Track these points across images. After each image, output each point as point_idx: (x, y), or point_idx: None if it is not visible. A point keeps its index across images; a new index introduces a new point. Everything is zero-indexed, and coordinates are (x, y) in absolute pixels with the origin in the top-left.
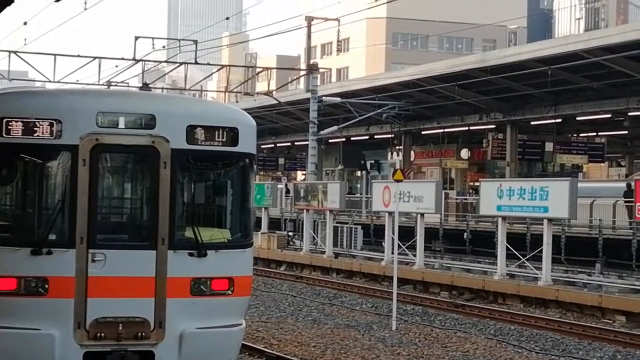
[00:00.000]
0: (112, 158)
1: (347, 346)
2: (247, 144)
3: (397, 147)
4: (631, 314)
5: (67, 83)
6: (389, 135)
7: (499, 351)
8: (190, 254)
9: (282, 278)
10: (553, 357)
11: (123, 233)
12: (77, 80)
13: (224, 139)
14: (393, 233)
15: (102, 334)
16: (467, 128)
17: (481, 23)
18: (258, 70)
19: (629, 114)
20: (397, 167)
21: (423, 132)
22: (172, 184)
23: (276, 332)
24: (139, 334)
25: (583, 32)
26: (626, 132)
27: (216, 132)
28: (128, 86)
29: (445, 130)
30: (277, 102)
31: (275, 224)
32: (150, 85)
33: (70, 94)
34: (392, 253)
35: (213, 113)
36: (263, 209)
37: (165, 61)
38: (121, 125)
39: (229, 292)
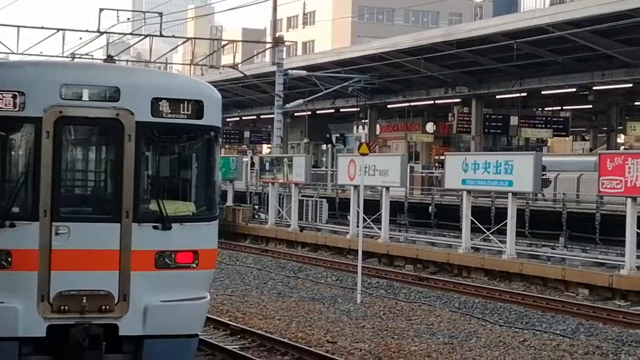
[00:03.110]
0: (76, 131)
1: (311, 319)
2: (212, 116)
3: (363, 121)
4: (594, 287)
5: (30, 55)
6: (355, 109)
7: (462, 324)
8: (155, 227)
9: (247, 251)
10: (517, 329)
11: (87, 206)
12: (41, 52)
13: (189, 112)
14: (358, 206)
15: (66, 307)
16: (432, 102)
17: None
18: (223, 43)
19: (594, 88)
20: (363, 140)
21: (389, 106)
22: (136, 156)
23: (241, 305)
24: (103, 307)
25: (549, 6)
26: (590, 106)
27: (181, 105)
28: (92, 58)
29: (411, 103)
30: (242, 75)
31: (240, 197)
32: (114, 58)
33: (34, 66)
34: (357, 226)
35: (178, 86)
36: (228, 182)
37: (130, 33)
38: (85, 97)
39: (194, 265)
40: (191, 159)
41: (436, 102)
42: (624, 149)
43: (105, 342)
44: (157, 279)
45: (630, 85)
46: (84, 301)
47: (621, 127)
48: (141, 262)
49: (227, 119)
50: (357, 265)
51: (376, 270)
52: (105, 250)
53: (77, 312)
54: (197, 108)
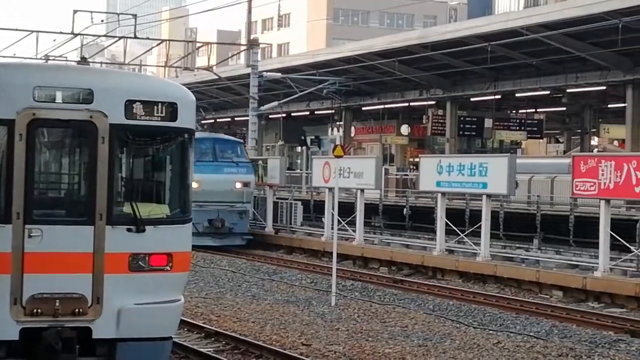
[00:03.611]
0: (50, 133)
1: (286, 322)
2: (187, 119)
3: (338, 123)
4: (568, 289)
5: (3, 57)
6: (330, 111)
7: (437, 326)
8: (129, 230)
9: (221, 254)
10: (491, 331)
11: (60, 208)
12: (14, 54)
13: (163, 114)
14: (333, 209)
15: (39, 310)
16: (407, 104)
17: None
18: (198, 45)
19: (567, 90)
20: (337, 142)
21: (363, 108)
22: (110, 159)
23: (215, 308)
24: (76, 310)
25: (523, 9)
26: (564, 108)
27: (155, 107)
28: (66, 60)
29: (386, 106)
30: (217, 77)
31: None
32: (88, 60)
33: (6, 68)
34: (332, 229)
35: (152, 88)
36: None
37: (104, 35)
38: (58, 99)
39: (168, 267)
40: (165, 162)
41: (411, 104)
42: (598, 151)
43: (79, 345)
44: (131, 282)
45: (604, 87)
46: (57, 304)
47: (595, 130)
48: (115, 264)
49: (202, 121)
50: (331, 268)
51: (351, 273)
52: (79, 252)
53: (50, 315)
54: (171, 110)
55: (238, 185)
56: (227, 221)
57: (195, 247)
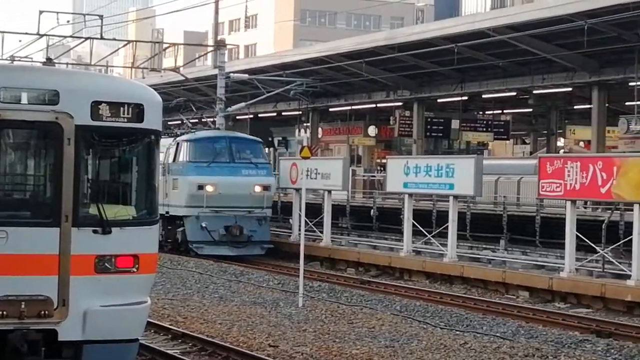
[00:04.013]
0: (15, 134)
1: (253, 323)
2: (153, 120)
3: (305, 124)
4: (534, 289)
5: None
6: (297, 112)
7: (404, 327)
8: (95, 231)
9: (188, 255)
10: (457, 332)
11: (26, 210)
12: None
13: (129, 115)
14: (300, 210)
15: (4, 313)
16: (374, 105)
17: (389, 0)
18: (165, 46)
19: (534, 92)
20: (305, 144)
21: (331, 109)
22: (76, 160)
23: (182, 310)
24: (42, 312)
25: (489, 10)
26: (531, 110)
27: (121, 108)
28: (32, 61)
29: (353, 107)
30: (184, 78)
31: None
32: (54, 61)
33: None
34: (299, 230)
35: (118, 89)
36: None
37: (70, 36)
38: (24, 100)
39: (134, 269)
40: (131, 163)
41: (378, 105)
42: (564, 152)
43: (45, 347)
44: (97, 284)
45: (570, 89)
46: (23, 306)
47: (561, 131)
48: (81, 266)
49: (169, 122)
50: (299, 269)
51: (318, 274)
52: (44, 254)
53: (15, 318)
54: (138, 111)
55: (257, 188)
56: (246, 228)
57: (211, 257)
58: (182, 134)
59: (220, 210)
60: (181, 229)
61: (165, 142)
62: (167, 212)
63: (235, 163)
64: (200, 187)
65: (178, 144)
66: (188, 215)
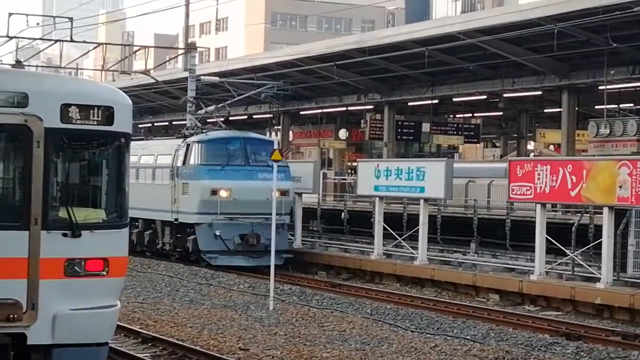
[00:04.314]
0: None
1: (224, 326)
2: (123, 123)
3: (276, 127)
4: (504, 292)
5: None
6: (268, 115)
7: (375, 330)
8: (64, 235)
9: (159, 259)
10: (428, 335)
11: None
12: None
13: (99, 118)
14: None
15: None
16: (345, 108)
17: (360, 4)
18: (135, 48)
19: (504, 95)
20: (275, 147)
21: (301, 112)
22: (45, 163)
23: (152, 313)
24: (11, 315)
25: (460, 14)
26: (501, 113)
27: (91, 111)
28: (1, 63)
29: (324, 110)
30: (154, 81)
31: None
32: (24, 63)
33: None
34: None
35: (88, 92)
36: None
37: (40, 38)
38: None
39: (104, 272)
40: (101, 166)
41: (349, 108)
42: (534, 155)
43: (13, 351)
44: (67, 287)
45: (540, 92)
46: None
47: (531, 134)
48: (50, 270)
49: (139, 125)
50: (269, 272)
51: (289, 277)
52: (13, 258)
53: None
54: (108, 114)
55: (275, 193)
56: (263, 237)
57: (225, 268)
58: (190, 134)
59: (235, 217)
60: (192, 237)
61: (173, 143)
62: (176, 220)
63: (251, 166)
64: (214, 192)
65: (188, 145)
66: (200, 222)
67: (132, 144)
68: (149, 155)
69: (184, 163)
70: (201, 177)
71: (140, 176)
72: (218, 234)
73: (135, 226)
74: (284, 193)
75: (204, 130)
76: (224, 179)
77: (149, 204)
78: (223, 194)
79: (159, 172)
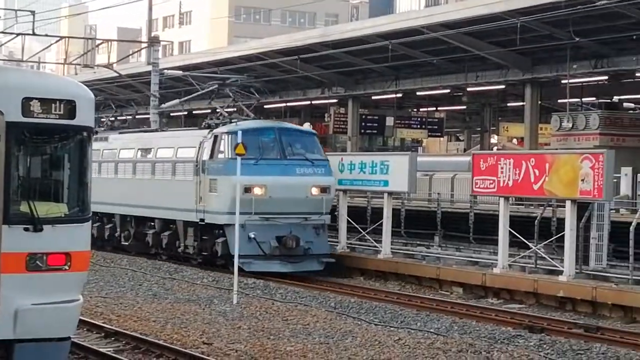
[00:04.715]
0: None
1: (187, 320)
2: (85, 117)
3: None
4: (468, 285)
5: None
6: (232, 109)
7: (338, 323)
8: (26, 229)
9: (122, 253)
10: (392, 328)
11: None
12: None
13: (61, 112)
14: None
15: None
16: (309, 102)
17: None
18: (98, 42)
19: (468, 89)
20: (239, 141)
21: (265, 106)
22: (6, 157)
23: (115, 308)
24: None
25: (424, 8)
26: (464, 107)
27: (53, 105)
28: None
29: (288, 104)
30: (117, 74)
31: None
32: None
33: None
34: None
35: (50, 85)
36: None
37: (1, 32)
38: None
39: (66, 267)
40: (63, 160)
41: (313, 102)
42: (497, 149)
43: None
44: (28, 282)
45: (503, 86)
46: None
47: (494, 128)
48: (11, 264)
49: (102, 119)
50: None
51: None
52: None
53: None
54: (70, 108)
55: (314, 190)
56: (302, 239)
57: (260, 275)
58: (216, 125)
59: (271, 217)
60: (221, 240)
61: (197, 134)
62: (202, 220)
63: (288, 160)
64: (248, 189)
65: (216, 137)
66: (232, 223)
67: (145, 135)
68: (167, 148)
69: (211, 157)
70: (232, 173)
71: (157, 172)
72: (253, 236)
73: (151, 227)
74: (324, 190)
75: (232, 120)
76: (259, 174)
77: (168, 203)
78: (257, 191)
79: (180, 167)
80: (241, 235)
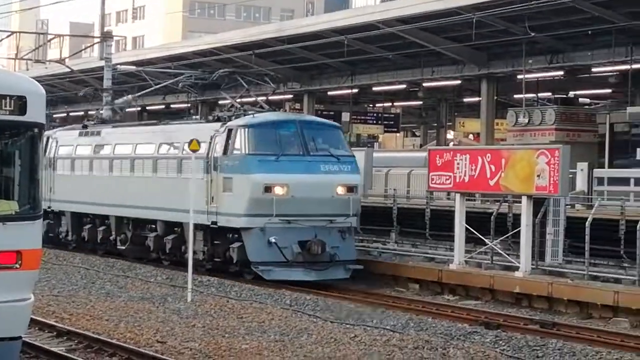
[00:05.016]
0: None
1: (141, 319)
2: (36, 113)
3: (194, 117)
4: (424, 282)
5: None
6: (186, 105)
7: (294, 321)
8: None
9: (73, 250)
10: (348, 325)
11: None
12: None
13: (11, 108)
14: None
15: None
16: (265, 97)
17: None
18: (50, 37)
19: (423, 84)
20: (193, 137)
21: (220, 102)
22: None
23: (68, 306)
24: None
25: (379, 2)
26: (421, 102)
27: (3, 101)
28: None
29: (243, 99)
30: (69, 70)
31: None
32: None
33: None
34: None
35: (0, 81)
36: None
37: None
38: None
39: (17, 265)
40: (14, 157)
41: (268, 98)
42: (453, 144)
43: None
44: None
45: (459, 82)
46: None
47: (450, 123)
48: None
49: (54, 115)
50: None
51: (206, 268)
52: None
53: None
54: (20, 104)
55: (340, 190)
56: (328, 244)
57: (282, 283)
58: (229, 117)
59: (294, 219)
60: (237, 245)
61: (207, 128)
62: (214, 223)
63: (311, 156)
64: (268, 188)
65: (230, 130)
66: (249, 227)
67: (146, 129)
68: (172, 144)
69: (224, 153)
70: (250, 170)
71: (160, 169)
72: (274, 240)
73: (152, 230)
74: (351, 189)
75: (248, 113)
76: (280, 172)
77: (173, 203)
78: (279, 190)
79: (187, 164)
80: (261, 240)
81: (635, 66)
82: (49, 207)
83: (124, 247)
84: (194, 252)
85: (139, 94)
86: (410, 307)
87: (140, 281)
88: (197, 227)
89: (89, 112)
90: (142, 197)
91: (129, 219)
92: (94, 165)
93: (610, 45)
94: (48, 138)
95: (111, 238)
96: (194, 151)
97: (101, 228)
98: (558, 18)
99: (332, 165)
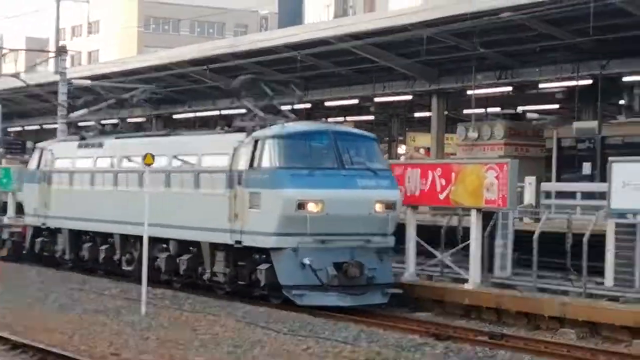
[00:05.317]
0: None
1: (95, 331)
2: None
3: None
4: None
5: None
6: (141, 119)
7: (247, 333)
8: None
9: (29, 264)
10: (300, 337)
11: None
12: None
13: None
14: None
15: None
16: (219, 112)
17: (233, 8)
18: (4, 51)
19: (375, 99)
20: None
21: (174, 116)
22: None
23: (22, 319)
24: None
25: (332, 19)
26: (373, 117)
27: None
28: None
29: (197, 114)
30: (25, 84)
31: (22, 209)
32: None
33: None
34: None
35: None
36: (10, 193)
37: None
38: None
39: None
40: None
41: (222, 112)
42: (405, 159)
43: None
44: None
45: (410, 97)
46: None
47: (402, 138)
48: None
49: (9, 129)
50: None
51: (161, 281)
52: None
53: None
54: None
55: (378, 207)
56: (366, 266)
57: (316, 309)
58: (254, 127)
59: (328, 239)
60: (265, 266)
61: (229, 139)
62: (239, 242)
63: (346, 170)
64: (301, 205)
65: (257, 141)
66: (280, 247)
67: (155, 140)
68: (188, 156)
69: (251, 166)
70: (282, 185)
71: (173, 183)
72: (308, 262)
73: (163, 249)
74: (389, 206)
75: (274, 122)
76: (314, 187)
77: (189, 221)
78: (312, 207)
79: (206, 177)
80: (293, 261)
81: (581, 82)
82: (44, 224)
83: (130, 268)
84: (212, 274)
85: (94, 108)
86: (362, 319)
87: (94, 294)
88: (218, 246)
89: (44, 126)
90: (152, 214)
91: (136, 238)
92: (96, 179)
93: (557, 62)
94: (42, 150)
95: (115, 258)
96: (148, 165)
97: (103, 247)
98: (506, 35)
99: (369, 180)
